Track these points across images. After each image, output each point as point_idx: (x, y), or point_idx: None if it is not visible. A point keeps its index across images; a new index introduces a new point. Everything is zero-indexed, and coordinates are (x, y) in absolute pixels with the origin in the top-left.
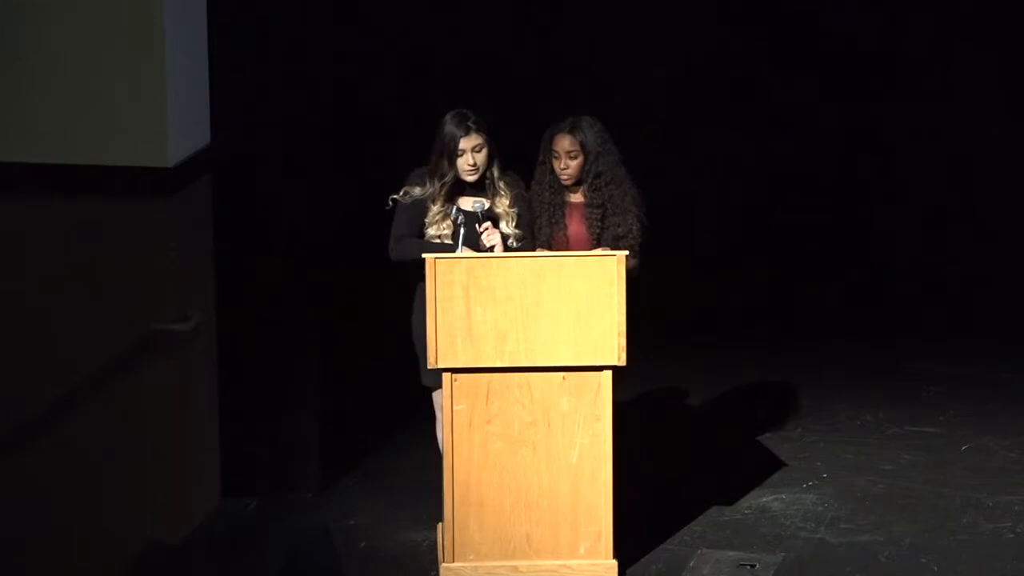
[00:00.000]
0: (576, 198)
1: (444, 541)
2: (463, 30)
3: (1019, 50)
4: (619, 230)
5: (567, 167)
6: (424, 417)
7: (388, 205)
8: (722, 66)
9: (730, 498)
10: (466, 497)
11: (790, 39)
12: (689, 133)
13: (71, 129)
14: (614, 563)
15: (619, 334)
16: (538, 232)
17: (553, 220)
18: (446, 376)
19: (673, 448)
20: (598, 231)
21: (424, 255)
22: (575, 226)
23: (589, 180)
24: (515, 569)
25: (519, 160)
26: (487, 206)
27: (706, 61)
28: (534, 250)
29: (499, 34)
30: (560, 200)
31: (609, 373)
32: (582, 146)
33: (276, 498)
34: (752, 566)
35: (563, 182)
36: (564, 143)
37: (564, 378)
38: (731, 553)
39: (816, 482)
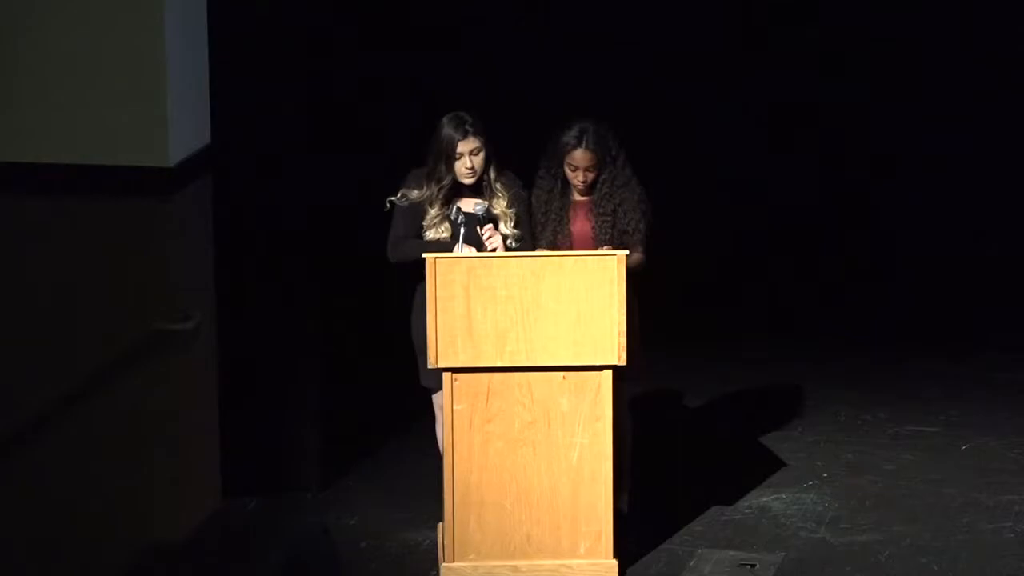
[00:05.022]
0: (580, 196)
1: (444, 541)
2: (464, 30)
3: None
4: (628, 226)
5: (586, 179)
6: (424, 417)
7: (386, 207)
8: (722, 63)
9: (730, 498)
10: (466, 497)
11: (789, 39)
12: (688, 132)
13: (71, 129)
14: (614, 563)
15: (619, 333)
16: (540, 234)
17: (558, 228)
18: (446, 376)
19: (673, 448)
20: (609, 234)
21: (424, 255)
22: (579, 224)
23: (604, 190)
24: (515, 569)
25: (514, 159)
26: (486, 207)
27: (706, 57)
28: (533, 250)
29: (500, 34)
30: (566, 202)
31: (609, 373)
32: (599, 158)
33: (276, 498)
34: (752, 566)
35: (579, 192)
36: (583, 158)
37: (564, 378)
38: (731, 553)
39: (816, 482)
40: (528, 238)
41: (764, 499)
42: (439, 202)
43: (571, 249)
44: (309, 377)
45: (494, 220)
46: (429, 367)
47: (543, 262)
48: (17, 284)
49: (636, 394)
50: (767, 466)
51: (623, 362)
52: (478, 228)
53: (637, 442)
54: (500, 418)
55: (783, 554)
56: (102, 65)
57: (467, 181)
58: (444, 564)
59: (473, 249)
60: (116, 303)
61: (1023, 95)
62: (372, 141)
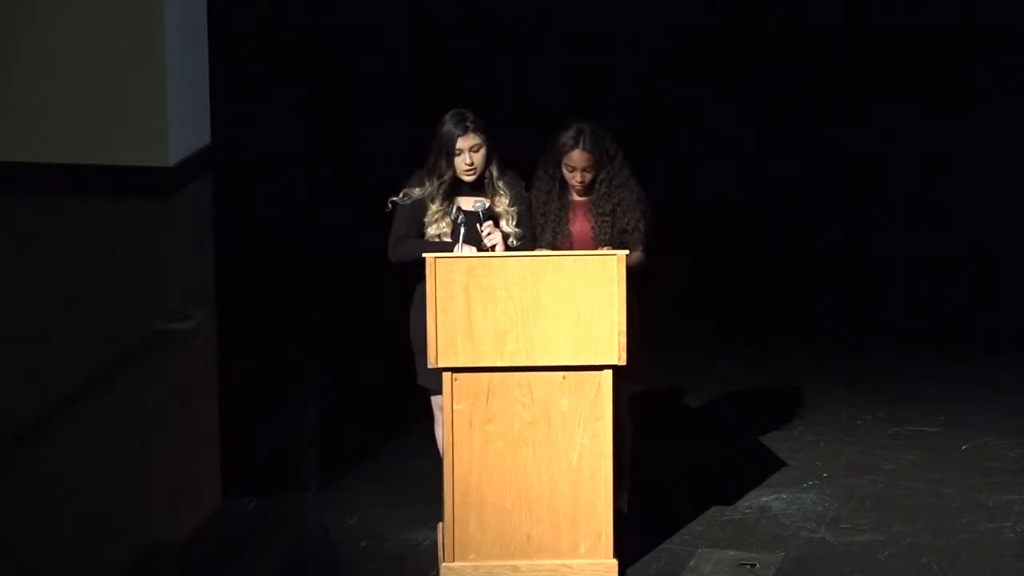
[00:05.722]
0: (579, 197)
1: (444, 540)
2: (465, 30)
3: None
4: (627, 226)
5: (584, 180)
6: (424, 417)
7: (388, 208)
8: (723, 63)
9: (730, 498)
10: (466, 497)
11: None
12: (687, 131)
13: (71, 129)
14: (614, 563)
15: (619, 333)
16: (540, 235)
17: (558, 229)
18: (446, 376)
19: (673, 448)
20: (608, 234)
21: (424, 254)
22: (579, 224)
23: (602, 190)
24: (515, 568)
25: (517, 160)
26: (487, 205)
27: (706, 57)
28: (534, 249)
29: (501, 34)
30: (565, 203)
31: (609, 372)
32: (596, 158)
33: (276, 498)
34: (752, 566)
35: (577, 192)
36: (580, 160)
37: (564, 378)
38: (731, 553)
39: (816, 482)
40: (530, 237)
41: (764, 499)
42: (440, 198)
43: (571, 249)
44: (309, 377)
45: (494, 218)
46: (429, 367)
47: (543, 262)
48: (17, 284)
49: (636, 394)
50: (767, 466)
51: (623, 362)
52: (478, 226)
53: (637, 442)
54: (500, 418)
55: (783, 554)
56: (102, 65)
57: (467, 178)
58: (444, 564)
59: (473, 249)
60: (116, 303)
61: (1023, 95)
62: (372, 141)
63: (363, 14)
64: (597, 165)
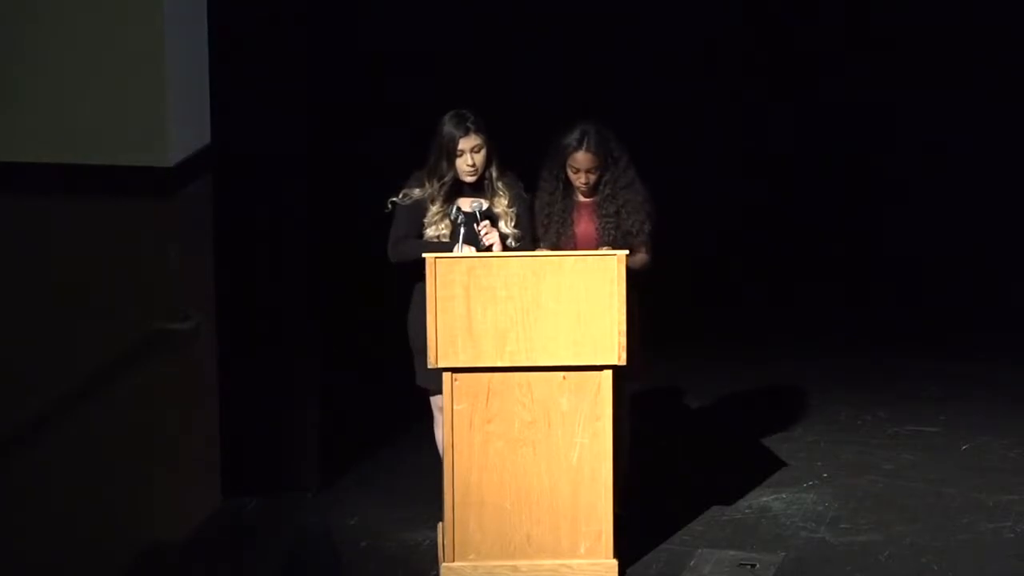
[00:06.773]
0: (584, 198)
1: (444, 541)
2: (465, 29)
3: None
4: (632, 227)
5: (588, 181)
6: (423, 417)
7: (387, 208)
8: (723, 63)
9: (730, 498)
10: (466, 497)
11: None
12: (688, 131)
13: (71, 129)
14: (614, 563)
15: (619, 333)
16: (544, 236)
17: (562, 230)
18: (446, 376)
19: (673, 448)
20: (612, 235)
21: (424, 255)
22: (583, 225)
23: (607, 191)
24: (515, 568)
25: (516, 160)
26: (486, 206)
27: (706, 57)
28: (533, 250)
29: (502, 35)
30: (569, 204)
31: (609, 372)
32: (600, 159)
33: (276, 498)
34: (752, 566)
35: (582, 194)
36: (585, 160)
37: (564, 377)
38: (731, 553)
39: (816, 482)
40: (528, 238)
41: (764, 499)
42: (440, 199)
43: (574, 249)
44: (309, 377)
45: (492, 218)
46: (429, 367)
47: (543, 262)
48: (17, 284)
49: (636, 393)
50: (767, 466)
51: (623, 362)
52: (476, 225)
53: (637, 442)
54: (500, 418)
55: (783, 554)
56: (102, 65)
57: (468, 179)
58: (444, 564)
59: (473, 249)
60: (116, 303)
61: (1023, 95)
62: (372, 141)
63: (363, 14)
64: (601, 166)
